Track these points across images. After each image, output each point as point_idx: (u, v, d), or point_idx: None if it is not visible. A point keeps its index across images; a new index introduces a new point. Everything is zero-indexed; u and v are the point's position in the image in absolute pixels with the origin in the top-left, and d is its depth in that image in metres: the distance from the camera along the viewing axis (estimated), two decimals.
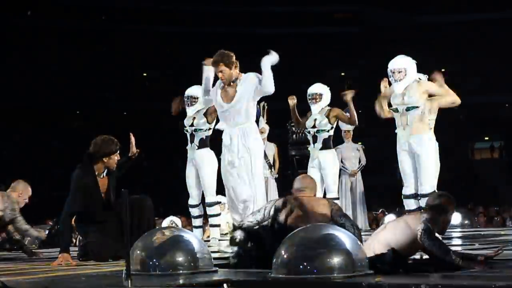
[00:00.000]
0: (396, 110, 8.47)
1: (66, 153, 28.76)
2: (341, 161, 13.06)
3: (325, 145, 10.49)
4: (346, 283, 4.61)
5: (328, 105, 10.62)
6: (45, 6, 32.01)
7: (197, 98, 9.95)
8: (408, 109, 8.30)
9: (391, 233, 5.51)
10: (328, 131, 10.48)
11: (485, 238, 9.54)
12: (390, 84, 8.67)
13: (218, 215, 10.25)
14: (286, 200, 6.05)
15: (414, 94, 8.29)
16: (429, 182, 8.25)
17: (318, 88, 10.57)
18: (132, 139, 7.91)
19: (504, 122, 33.38)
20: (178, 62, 32.86)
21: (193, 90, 10.06)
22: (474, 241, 9.04)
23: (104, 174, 7.49)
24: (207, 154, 10.08)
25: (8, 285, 4.61)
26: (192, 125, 10.10)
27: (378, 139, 23.65)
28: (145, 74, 35.00)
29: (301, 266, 4.76)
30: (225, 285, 4.80)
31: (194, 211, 10.31)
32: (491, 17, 33.19)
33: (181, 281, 4.93)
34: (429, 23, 34.02)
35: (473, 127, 32.09)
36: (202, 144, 10.10)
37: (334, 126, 10.57)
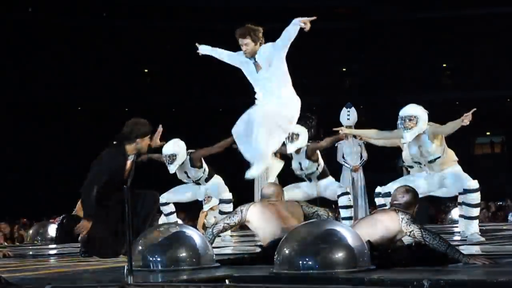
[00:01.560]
0: (419, 163, 8.56)
1: (67, 149, 28.78)
2: (343, 157, 13.06)
3: (322, 176, 10.46)
4: (348, 278, 4.61)
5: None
6: (46, 2, 31.98)
7: (176, 155, 10.06)
8: (430, 161, 8.32)
9: (364, 229, 5.53)
10: (317, 168, 10.42)
11: (487, 233, 9.53)
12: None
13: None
14: (262, 204, 6.20)
15: (429, 147, 8.26)
16: (469, 178, 8.35)
17: (297, 128, 10.09)
18: (160, 129, 7.77)
19: (506, 116, 33.36)
20: (180, 58, 32.83)
21: (170, 148, 10.10)
22: None
23: (134, 157, 7.41)
24: (217, 180, 10.33)
25: (11, 281, 4.61)
26: (188, 177, 10.27)
27: None
28: (146, 70, 35.00)
29: (303, 262, 4.76)
30: (227, 280, 4.81)
31: (166, 209, 10.40)
32: (493, 12, 33.14)
33: (183, 277, 4.93)
34: (430, 18, 33.97)
35: (474, 122, 31.99)
36: (209, 177, 10.28)
37: (320, 160, 10.46)
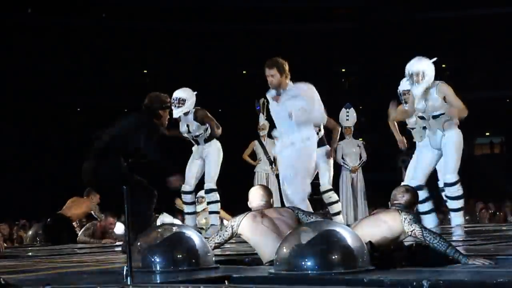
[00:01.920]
0: (423, 118, 8.64)
1: (67, 149, 28.77)
2: (342, 157, 13.07)
3: (320, 143, 10.43)
4: (347, 279, 4.61)
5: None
6: (45, 3, 31.98)
7: (185, 100, 10.05)
8: (434, 117, 8.39)
9: (367, 229, 5.53)
10: (317, 133, 10.38)
11: (486, 234, 9.54)
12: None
13: (217, 201, 10.32)
14: (254, 216, 5.92)
15: (435, 102, 8.37)
16: (451, 170, 8.51)
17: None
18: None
19: (506, 117, 33.36)
20: (179, 59, 32.85)
21: (181, 93, 10.14)
22: (475, 237, 9.03)
23: None
24: (215, 144, 10.25)
25: (9, 282, 4.60)
26: (189, 132, 10.23)
27: (379, 135, 23.65)
28: (145, 71, 35.01)
29: (302, 262, 4.76)
30: (226, 281, 4.80)
31: (187, 198, 10.40)
32: (492, 12, 33.15)
33: (182, 278, 4.93)
34: (430, 18, 33.98)
35: (474, 123, 32.02)
36: (209, 139, 10.22)
37: (322, 127, 10.42)
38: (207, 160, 10.29)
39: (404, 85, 8.99)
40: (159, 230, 5.70)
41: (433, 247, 5.29)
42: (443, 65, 36.12)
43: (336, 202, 10.57)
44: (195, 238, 5.47)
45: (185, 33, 33.30)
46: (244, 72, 33.91)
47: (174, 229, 5.63)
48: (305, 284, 4.58)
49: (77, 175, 8.98)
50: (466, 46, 33.40)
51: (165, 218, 13.06)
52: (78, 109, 33.49)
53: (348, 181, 13.15)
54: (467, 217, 14.57)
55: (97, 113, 31.09)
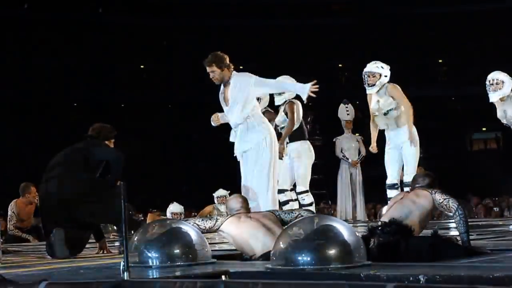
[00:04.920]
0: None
1: (64, 145, 28.74)
2: (341, 151, 13.17)
3: (294, 138, 10.34)
4: (344, 274, 4.61)
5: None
6: None
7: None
8: None
9: (399, 211, 5.80)
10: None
11: (483, 229, 9.56)
12: None
13: (311, 204, 10.19)
14: (239, 216, 6.02)
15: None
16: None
17: None
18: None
19: None
20: (176, 54, 32.82)
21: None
22: (472, 232, 9.04)
23: None
24: (303, 146, 10.20)
25: (7, 277, 4.60)
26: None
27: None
28: (142, 67, 34.97)
29: (299, 257, 4.76)
30: (223, 276, 4.80)
31: (281, 197, 10.13)
32: (490, 8, 33.16)
33: (179, 273, 4.93)
34: (427, 13, 33.97)
35: (470, 118, 32.09)
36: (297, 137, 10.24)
37: (299, 119, 10.32)
38: (296, 162, 10.32)
39: (493, 75, 9.19)
40: (156, 225, 5.70)
41: (456, 224, 5.79)
42: (440, 60, 36.17)
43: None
44: (192, 233, 5.47)
45: (182, 28, 33.26)
46: (241, 67, 33.89)
47: (171, 224, 5.63)
48: (302, 279, 4.58)
49: None
50: (463, 41, 33.41)
51: (174, 207, 13.12)
52: (75, 105, 33.45)
53: (346, 176, 13.19)
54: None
55: (94, 109, 31.08)
